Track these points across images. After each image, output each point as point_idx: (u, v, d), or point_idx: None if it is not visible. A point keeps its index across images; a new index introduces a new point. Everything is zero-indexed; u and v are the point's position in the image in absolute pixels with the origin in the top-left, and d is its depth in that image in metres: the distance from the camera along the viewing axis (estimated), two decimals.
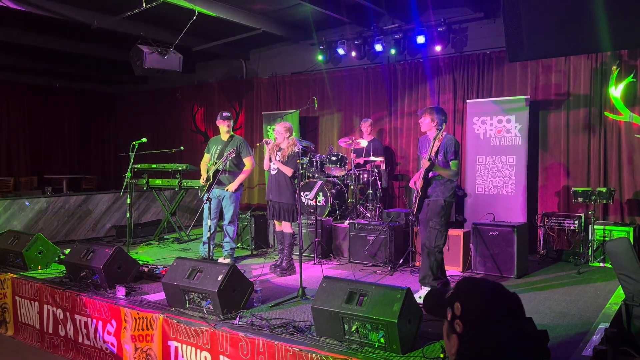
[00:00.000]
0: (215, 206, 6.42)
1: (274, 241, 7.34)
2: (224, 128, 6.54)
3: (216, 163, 6.33)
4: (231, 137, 6.57)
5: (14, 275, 5.62)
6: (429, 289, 4.77)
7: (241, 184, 6.51)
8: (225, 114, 6.58)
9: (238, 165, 6.42)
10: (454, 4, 7.64)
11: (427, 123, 4.91)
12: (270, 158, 5.98)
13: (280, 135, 5.94)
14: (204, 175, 6.51)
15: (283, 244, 6.04)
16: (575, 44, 5.91)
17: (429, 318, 4.09)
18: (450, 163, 4.80)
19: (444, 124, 4.90)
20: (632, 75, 6.69)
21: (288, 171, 5.81)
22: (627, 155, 6.85)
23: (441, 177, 4.84)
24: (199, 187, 7.05)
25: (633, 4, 5.37)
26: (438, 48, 8.11)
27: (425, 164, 4.80)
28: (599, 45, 6.00)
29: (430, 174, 4.87)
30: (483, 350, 1.40)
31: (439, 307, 1.52)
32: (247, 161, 6.39)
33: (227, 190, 6.31)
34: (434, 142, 4.74)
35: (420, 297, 4.51)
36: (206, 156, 6.68)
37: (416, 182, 4.96)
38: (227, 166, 6.27)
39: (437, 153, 4.80)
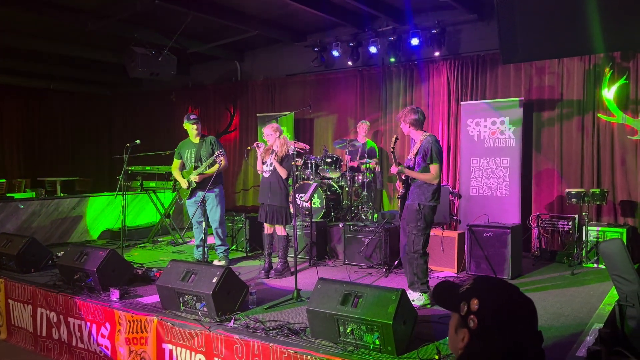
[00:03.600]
0: (199, 210, 6.37)
1: None
2: (193, 131, 6.45)
3: (197, 167, 6.28)
4: (202, 138, 6.51)
5: (7, 278, 5.58)
6: (419, 294, 4.75)
7: (222, 185, 6.49)
8: (193, 116, 6.49)
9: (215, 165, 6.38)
10: (449, 6, 7.66)
11: (404, 128, 4.91)
12: (262, 161, 5.97)
13: (271, 137, 5.91)
14: (182, 180, 6.42)
15: (271, 247, 6.04)
16: (569, 46, 5.96)
17: (424, 319, 4.10)
18: (430, 167, 4.69)
19: (420, 122, 4.83)
20: (624, 77, 6.73)
21: (283, 172, 5.81)
22: (620, 156, 6.88)
23: (416, 179, 4.78)
24: (177, 190, 6.89)
25: (625, 6, 5.41)
26: (432, 50, 8.13)
27: (394, 169, 4.80)
28: (591, 47, 6.04)
29: (405, 177, 4.85)
30: (492, 349, 1.41)
31: (451, 299, 1.53)
32: (223, 159, 6.22)
33: (190, 180, 6.25)
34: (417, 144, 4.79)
35: (413, 301, 4.42)
36: (177, 162, 6.57)
37: (400, 185, 4.96)
38: (207, 168, 6.26)
39: (416, 155, 4.78)
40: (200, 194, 6.29)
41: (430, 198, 4.71)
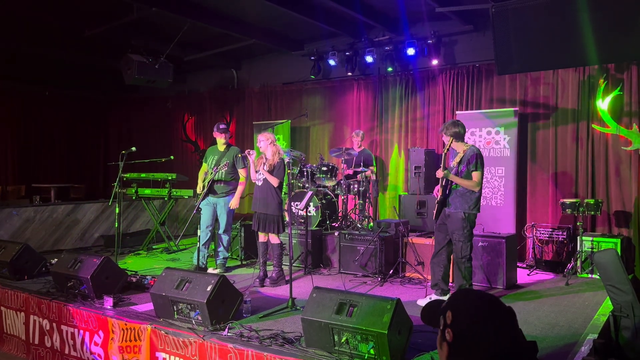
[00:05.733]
0: (210, 214, 6.45)
1: None
2: (221, 140, 6.60)
3: (211, 173, 6.37)
4: (227, 147, 6.62)
5: (0, 285, 5.54)
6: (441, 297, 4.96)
7: (232, 194, 6.55)
8: (222, 126, 6.64)
9: (232, 175, 6.47)
10: (444, 17, 7.72)
11: (445, 140, 5.14)
12: (255, 169, 5.97)
13: (264, 144, 5.94)
14: (200, 185, 6.54)
15: (265, 255, 6.03)
16: (563, 57, 6.00)
17: (419, 329, 4.09)
18: (472, 174, 4.93)
19: (461, 135, 5.07)
20: (618, 88, 6.78)
21: (274, 181, 5.81)
22: (614, 167, 6.92)
23: (458, 186, 4.99)
24: (189, 196, 7.04)
25: (619, 19, 5.47)
26: (428, 60, 8.19)
27: (440, 173, 5.01)
28: (586, 59, 6.09)
29: (444, 183, 5.07)
30: (473, 358, 1.40)
31: (433, 316, 1.54)
32: (242, 173, 6.42)
33: (230, 207, 6.43)
34: (458, 154, 5.04)
35: (429, 298, 4.97)
36: (204, 166, 6.73)
37: (438, 190, 5.17)
38: (223, 176, 6.33)
39: (459, 163, 5.01)
40: (210, 198, 6.43)
41: (473, 207, 5.00)
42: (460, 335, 1.41)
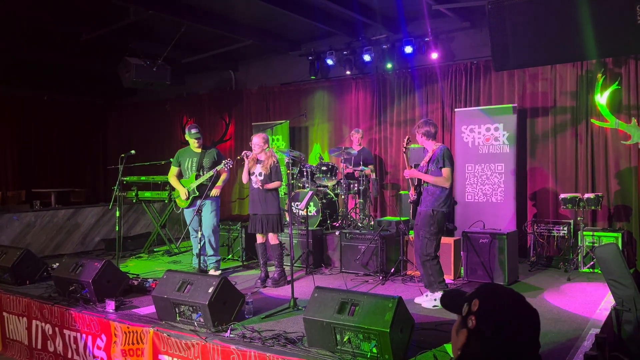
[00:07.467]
0: (197, 218, 6.37)
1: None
2: (195, 143, 6.48)
3: (199, 176, 6.30)
4: (203, 147, 6.55)
5: (2, 291, 5.55)
6: (434, 294, 4.94)
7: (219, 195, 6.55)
8: (194, 130, 6.47)
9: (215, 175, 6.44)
10: (441, 14, 7.72)
11: (419, 140, 5.17)
12: (250, 172, 5.94)
13: (258, 147, 5.89)
14: (182, 190, 6.41)
15: (265, 256, 6.02)
16: (561, 52, 5.98)
17: (420, 327, 4.09)
18: (442, 170, 4.95)
19: (431, 134, 5.09)
20: (617, 82, 6.78)
21: (276, 185, 5.85)
22: (614, 161, 6.92)
23: (427, 184, 5.01)
24: (174, 198, 6.89)
25: (617, 12, 5.46)
26: (426, 58, 8.19)
27: (407, 173, 5.08)
28: (584, 53, 6.07)
29: (417, 183, 5.14)
30: (488, 351, 1.41)
31: (456, 303, 1.55)
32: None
33: (211, 194, 6.31)
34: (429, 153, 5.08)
35: (426, 295, 4.97)
36: (175, 169, 6.57)
37: (413, 192, 5.22)
38: (207, 179, 6.28)
39: (429, 162, 5.03)
40: (199, 202, 6.30)
41: (442, 204, 4.97)
42: (483, 324, 1.42)
